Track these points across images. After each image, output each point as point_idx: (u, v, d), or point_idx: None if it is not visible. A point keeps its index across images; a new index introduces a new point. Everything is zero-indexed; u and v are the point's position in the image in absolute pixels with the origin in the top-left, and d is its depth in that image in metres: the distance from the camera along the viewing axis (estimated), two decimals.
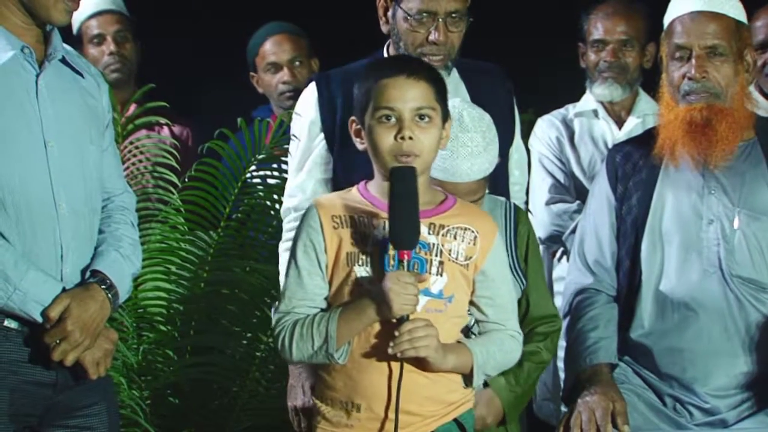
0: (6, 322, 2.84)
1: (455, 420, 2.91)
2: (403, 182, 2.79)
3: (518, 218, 3.30)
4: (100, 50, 4.70)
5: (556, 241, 4.35)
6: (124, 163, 4.01)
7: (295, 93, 4.63)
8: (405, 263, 2.79)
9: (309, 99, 3.58)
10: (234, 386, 3.86)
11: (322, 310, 2.89)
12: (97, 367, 2.91)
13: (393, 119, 2.85)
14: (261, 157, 3.99)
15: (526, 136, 4.42)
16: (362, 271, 2.86)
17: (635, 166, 3.49)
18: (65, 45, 3.01)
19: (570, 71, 4.53)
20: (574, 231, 4.11)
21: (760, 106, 3.74)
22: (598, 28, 4.39)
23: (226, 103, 4.78)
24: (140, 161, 4.09)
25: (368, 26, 3.70)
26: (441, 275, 2.88)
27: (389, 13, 3.56)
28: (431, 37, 3.49)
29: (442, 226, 2.90)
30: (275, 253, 3.55)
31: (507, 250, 3.23)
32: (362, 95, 2.91)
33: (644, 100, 4.43)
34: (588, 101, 4.47)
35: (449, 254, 2.89)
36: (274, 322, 2.90)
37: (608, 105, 4.46)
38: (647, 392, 3.41)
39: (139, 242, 3.12)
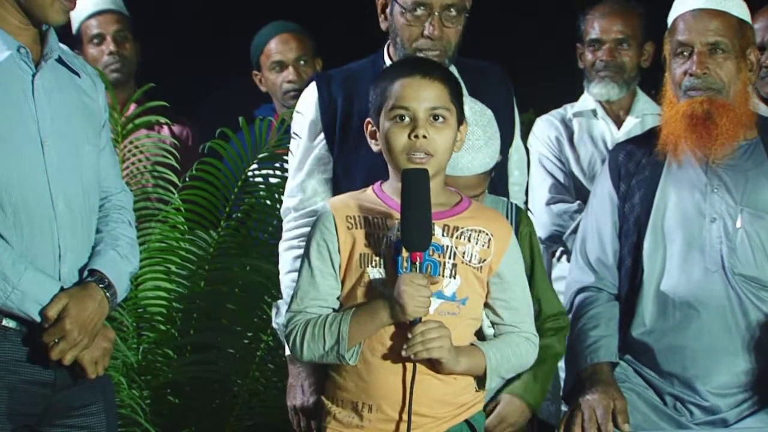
0: (4, 322, 2.85)
1: (466, 421, 2.91)
2: (415, 184, 2.78)
3: (519, 219, 3.29)
4: (100, 50, 4.71)
5: (556, 240, 4.34)
6: (124, 162, 4.02)
7: (300, 92, 4.63)
8: (417, 265, 2.78)
9: (309, 98, 3.58)
10: (234, 385, 3.86)
11: (334, 310, 2.89)
12: (96, 366, 2.92)
13: (407, 119, 2.85)
14: (262, 156, 3.99)
15: (525, 136, 4.42)
16: (375, 272, 2.86)
17: (638, 165, 3.49)
18: (61, 44, 3.02)
19: (570, 71, 4.52)
20: (574, 231, 4.11)
21: (760, 110, 3.73)
22: (594, 27, 4.40)
23: (227, 103, 4.78)
24: (140, 161, 4.09)
25: (370, 26, 3.70)
26: (454, 277, 2.87)
27: (387, 10, 3.56)
28: (426, 32, 3.49)
29: (456, 228, 2.89)
30: (276, 253, 3.55)
31: None
32: (378, 96, 2.91)
33: (642, 100, 4.44)
34: (586, 101, 4.47)
35: (463, 256, 2.88)
36: (285, 321, 2.90)
37: (607, 105, 4.46)
38: (648, 391, 3.41)
39: (137, 241, 3.13)
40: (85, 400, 2.96)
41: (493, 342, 2.95)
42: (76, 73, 3.02)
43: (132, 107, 4.14)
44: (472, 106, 3.21)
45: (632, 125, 4.40)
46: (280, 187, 3.90)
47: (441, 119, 2.86)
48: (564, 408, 3.52)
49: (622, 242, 3.49)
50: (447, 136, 2.87)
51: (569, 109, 4.50)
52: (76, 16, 4.61)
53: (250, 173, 4.02)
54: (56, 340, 2.84)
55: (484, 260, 2.90)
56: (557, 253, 4.43)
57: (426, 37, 3.48)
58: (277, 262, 3.52)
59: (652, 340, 3.41)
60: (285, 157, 3.92)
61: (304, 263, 2.90)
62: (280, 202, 3.80)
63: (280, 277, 3.43)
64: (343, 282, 2.89)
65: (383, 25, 3.59)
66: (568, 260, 4.08)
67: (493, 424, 3.19)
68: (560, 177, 4.39)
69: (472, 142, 3.16)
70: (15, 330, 2.85)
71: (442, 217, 2.88)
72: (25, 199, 2.85)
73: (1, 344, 2.84)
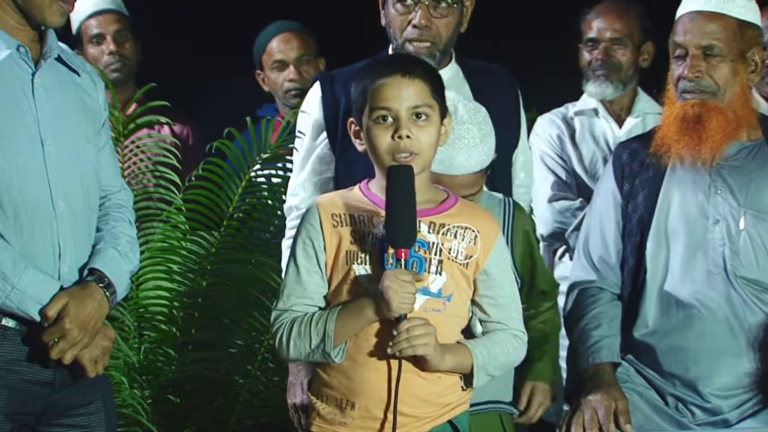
0: (4, 321, 2.84)
1: (449, 421, 2.90)
2: (400, 181, 2.78)
3: (516, 215, 3.28)
4: (100, 50, 4.71)
5: (558, 238, 4.34)
6: (125, 162, 4.02)
7: (301, 92, 4.63)
8: (402, 261, 2.78)
9: (313, 98, 3.58)
10: (235, 385, 3.86)
11: (321, 308, 2.89)
12: (95, 365, 2.92)
13: (390, 119, 2.85)
14: (266, 156, 3.99)
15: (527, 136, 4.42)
16: (361, 269, 2.85)
17: (642, 164, 3.49)
18: (60, 43, 3.02)
19: (571, 71, 4.52)
20: (576, 228, 4.11)
21: (761, 109, 3.72)
22: (591, 27, 4.42)
23: (227, 103, 4.79)
24: (141, 160, 4.09)
25: (373, 27, 3.70)
26: (440, 274, 2.87)
27: (387, 5, 3.58)
28: (414, 21, 3.50)
29: (442, 225, 2.89)
30: (277, 252, 3.55)
31: None
32: (359, 96, 2.91)
33: (643, 100, 4.43)
34: (587, 100, 4.48)
35: (449, 253, 2.88)
36: (272, 319, 2.90)
37: (608, 104, 4.46)
38: (649, 391, 3.40)
39: (137, 240, 3.13)
40: (85, 399, 2.96)
41: (480, 339, 2.94)
42: (76, 72, 3.02)
43: (133, 107, 4.14)
44: (466, 104, 3.21)
45: (633, 124, 4.40)
46: (283, 186, 3.91)
47: (424, 117, 2.86)
48: (566, 408, 3.51)
49: (625, 242, 3.49)
50: (431, 133, 2.87)
51: (571, 108, 4.50)
52: (76, 16, 4.62)
53: (252, 173, 4.02)
54: (56, 340, 2.84)
55: (471, 257, 2.89)
56: (559, 252, 4.43)
57: (414, 26, 3.49)
58: (278, 262, 3.52)
59: (654, 340, 3.40)
60: (288, 157, 3.92)
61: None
62: (283, 201, 3.80)
63: (282, 275, 3.43)
64: (329, 280, 2.89)
65: (383, 21, 3.60)
66: (570, 259, 4.07)
67: (530, 416, 3.32)
68: (562, 174, 4.39)
69: (468, 140, 3.16)
70: (14, 329, 2.85)
71: (429, 214, 2.88)
72: (24, 198, 2.85)
73: (0, 343, 2.84)
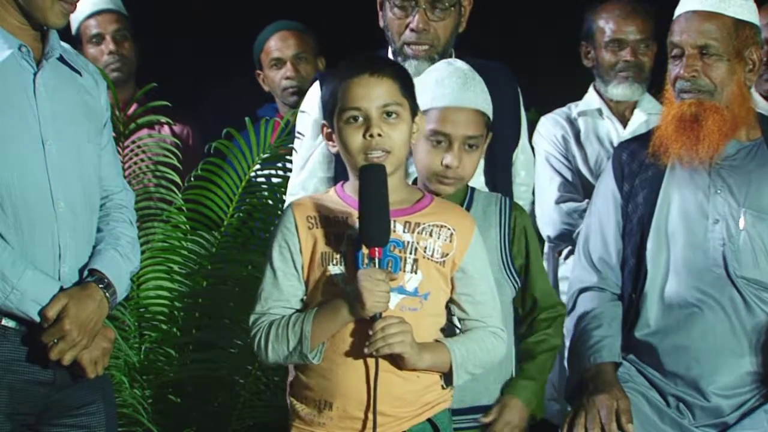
0: (4, 321, 2.85)
1: (429, 420, 2.91)
2: (372, 180, 2.79)
3: (513, 214, 3.28)
4: (100, 50, 4.72)
5: (565, 239, 4.33)
6: (126, 162, 4.02)
7: (299, 89, 4.64)
8: (376, 261, 2.79)
9: (312, 97, 3.58)
10: (236, 385, 3.85)
11: (298, 310, 2.89)
12: (95, 366, 2.92)
13: (360, 118, 2.86)
14: (265, 156, 3.99)
15: (529, 136, 4.41)
16: (336, 270, 2.86)
17: (642, 164, 3.49)
18: (63, 43, 3.02)
19: (570, 70, 4.51)
20: None
21: (760, 108, 3.72)
22: (612, 27, 4.36)
23: (227, 103, 4.79)
24: (142, 160, 4.09)
25: (373, 26, 3.70)
26: (416, 273, 2.88)
27: (385, 7, 3.58)
28: (412, 25, 3.50)
29: (417, 224, 2.90)
30: None
31: (500, 248, 3.22)
32: (329, 98, 2.92)
33: (647, 99, 4.42)
34: (591, 100, 4.46)
35: (424, 252, 2.88)
36: (250, 323, 2.91)
37: (612, 104, 4.44)
38: (651, 391, 3.40)
39: (138, 240, 3.13)
40: (85, 399, 2.96)
41: (459, 337, 2.95)
42: (78, 72, 3.02)
43: (133, 107, 4.14)
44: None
45: (638, 124, 4.39)
46: (283, 186, 3.90)
47: (394, 115, 2.87)
48: (567, 408, 3.51)
49: (626, 242, 3.49)
50: (402, 131, 2.88)
51: (574, 108, 4.48)
52: (76, 17, 4.62)
53: (253, 173, 4.02)
54: (55, 341, 2.84)
55: (447, 255, 2.90)
56: (564, 253, 4.42)
57: (412, 30, 3.49)
58: None
59: (656, 340, 3.41)
60: (288, 157, 3.92)
61: (267, 265, 2.91)
62: (283, 201, 3.80)
63: None
64: (306, 281, 2.90)
65: (381, 22, 3.60)
66: None
67: (498, 428, 3.22)
68: (568, 175, 4.38)
69: (464, 72, 3.22)
70: (14, 329, 2.85)
71: (404, 214, 2.89)
72: (25, 199, 2.85)
73: (0, 344, 2.84)
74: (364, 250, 2.80)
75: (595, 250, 3.54)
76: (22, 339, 2.86)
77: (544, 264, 3.51)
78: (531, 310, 3.31)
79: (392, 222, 2.83)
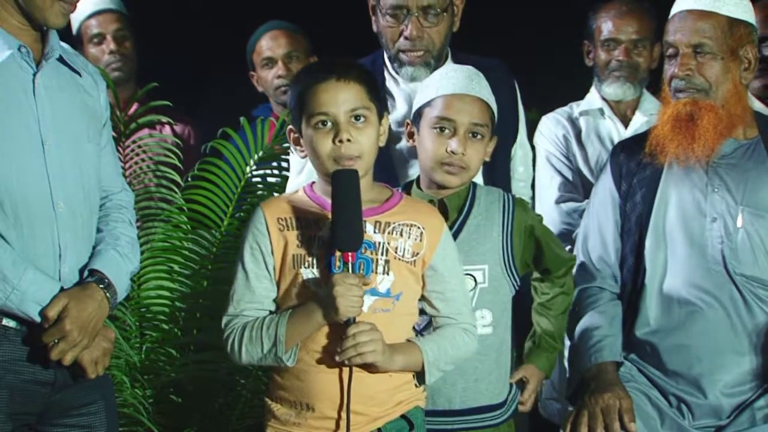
0: (4, 321, 2.85)
1: (402, 416, 2.91)
2: (345, 185, 2.79)
3: (516, 210, 3.26)
4: (101, 49, 4.72)
5: (565, 239, 4.31)
6: (127, 162, 4.02)
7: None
8: (350, 265, 2.79)
9: None
10: (236, 385, 3.85)
11: (271, 312, 2.90)
12: (96, 366, 2.93)
13: (329, 124, 2.85)
14: (261, 155, 3.99)
15: (530, 136, 4.41)
16: (309, 273, 2.86)
17: (639, 164, 3.49)
18: (62, 43, 3.02)
19: (571, 71, 4.51)
20: None
21: (754, 107, 3.72)
22: (609, 27, 4.36)
23: (227, 103, 4.78)
24: (143, 160, 4.09)
25: (370, 26, 3.70)
26: (387, 274, 2.88)
27: (378, 12, 3.58)
28: (405, 33, 3.50)
29: (387, 224, 2.90)
30: None
31: (503, 246, 3.21)
32: (295, 103, 2.91)
33: (648, 100, 4.42)
34: (593, 100, 4.46)
35: (395, 252, 2.89)
36: (223, 325, 2.91)
37: (614, 104, 4.44)
38: (652, 391, 3.40)
39: (138, 240, 3.13)
40: (85, 399, 2.96)
41: (430, 336, 2.96)
42: (78, 72, 3.03)
43: (134, 106, 4.14)
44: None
45: (639, 124, 4.38)
46: (281, 186, 3.90)
47: (362, 119, 2.87)
48: (568, 407, 3.50)
49: (624, 241, 3.49)
50: (370, 135, 2.88)
51: (575, 108, 4.48)
52: (76, 17, 4.62)
53: (251, 173, 4.02)
54: (56, 341, 2.84)
55: (417, 254, 2.91)
56: None
57: (406, 38, 3.50)
58: None
59: (656, 339, 3.41)
60: (284, 157, 3.92)
61: (239, 267, 2.90)
62: None
63: None
64: (278, 283, 2.90)
65: (374, 27, 3.61)
66: None
67: (526, 398, 3.32)
68: (569, 175, 4.38)
69: (465, 72, 3.24)
70: (15, 329, 2.86)
71: (373, 214, 2.89)
72: (25, 199, 2.85)
73: (1, 344, 2.84)
74: (337, 254, 2.80)
75: (594, 250, 3.54)
76: (22, 339, 2.86)
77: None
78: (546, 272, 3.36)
79: (363, 222, 2.83)
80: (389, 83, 3.65)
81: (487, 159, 3.28)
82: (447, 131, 3.17)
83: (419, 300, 2.97)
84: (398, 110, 3.64)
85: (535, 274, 3.37)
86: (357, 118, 2.86)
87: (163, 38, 5.04)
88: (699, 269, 3.37)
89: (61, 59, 2.98)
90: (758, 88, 4.31)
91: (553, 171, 4.37)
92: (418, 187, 3.25)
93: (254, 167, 3.97)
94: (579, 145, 4.42)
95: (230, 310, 2.90)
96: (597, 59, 4.40)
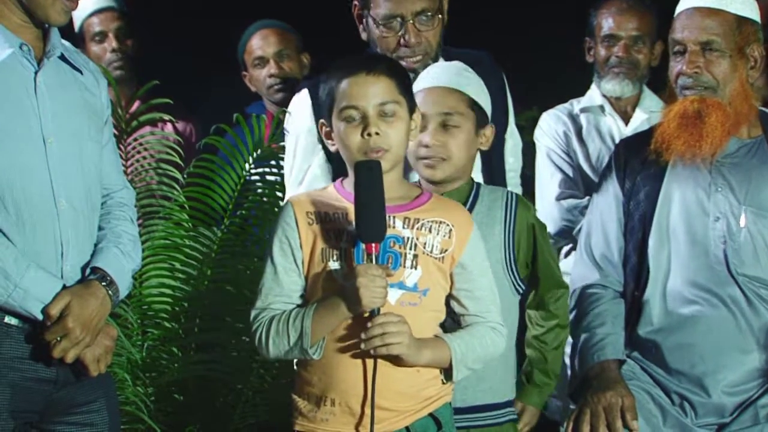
0: (6, 319, 2.85)
1: (431, 414, 2.91)
2: (366, 176, 2.80)
3: (519, 209, 3.26)
4: (102, 47, 4.73)
5: (566, 236, 4.33)
6: (128, 160, 4.02)
7: (284, 85, 4.65)
8: (373, 257, 2.80)
9: (303, 107, 3.58)
10: (238, 383, 3.85)
11: (299, 306, 2.90)
12: (98, 363, 2.93)
13: (358, 117, 2.87)
14: (259, 153, 3.98)
15: (531, 134, 4.41)
16: (336, 265, 2.87)
17: (643, 162, 3.49)
18: (64, 41, 3.01)
19: (572, 68, 4.51)
20: None
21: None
22: (609, 23, 4.38)
23: (228, 101, 4.78)
24: (144, 158, 4.09)
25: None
26: (415, 268, 2.88)
27: (364, 21, 3.57)
28: (403, 41, 3.50)
29: (417, 220, 2.91)
30: None
31: (505, 246, 3.21)
32: (326, 97, 2.93)
33: (649, 97, 4.43)
34: (593, 97, 4.46)
35: (424, 247, 2.90)
36: (251, 318, 2.92)
37: (614, 101, 4.45)
38: (655, 389, 3.40)
39: (139, 238, 3.13)
40: (87, 397, 2.96)
41: (458, 333, 2.95)
42: (79, 70, 3.02)
43: (136, 104, 4.14)
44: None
45: (640, 121, 4.39)
46: (281, 184, 3.90)
47: (392, 113, 2.88)
48: (571, 406, 3.50)
49: (627, 239, 3.49)
50: (400, 129, 2.89)
51: (576, 105, 4.48)
52: (78, 15, 4.63)
53: (246, 173, 4.01)
54: (58, 338, 2.84)
55: (446, 250, 2.91)
56: (565, 250, 4.42)
57: (404, 45, 3.50)
58: None
59: (660, 338, 3.41)
60: (281, 155, 3.92)
61: (268, 260, 2.91)
62: (282, 199, 3.80)
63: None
64: (306, 277, 2.91)
65: (363, 35, 3.60)
66: None
67: (521, 428, 3.28)
68: (569, 171, 4.38)
69: (445, 65, 3.28)
70: (17, 327, 2.86)
71: (403, 210, 2.90)
72: (27, 197, 2.85)
73: (3, 341, 2.84)
74: (362, 246, 2.81)
75: (597, 247, 3.54)
76: (25, 337, 2.86)
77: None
78: (536, 285, 3.32)
79: (392, 218, 2.85)
80: None
81: (484, 148, 3.29)
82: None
83: (447, 298, 2.97)
84: None
85: (530, 300, 3.34)
86: (386, 112, 2.87)
87: (164, 36, 5.04)
88: (701, 268, 3.37)
89: (62, 57, 2.98)
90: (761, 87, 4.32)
91: (553, 168, 4.38)
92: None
93: (252, 165, 3.96)
94: (579, 142, 4.42)
95: (258, 303, 2.91)
96: (597, 55, 4.41)
